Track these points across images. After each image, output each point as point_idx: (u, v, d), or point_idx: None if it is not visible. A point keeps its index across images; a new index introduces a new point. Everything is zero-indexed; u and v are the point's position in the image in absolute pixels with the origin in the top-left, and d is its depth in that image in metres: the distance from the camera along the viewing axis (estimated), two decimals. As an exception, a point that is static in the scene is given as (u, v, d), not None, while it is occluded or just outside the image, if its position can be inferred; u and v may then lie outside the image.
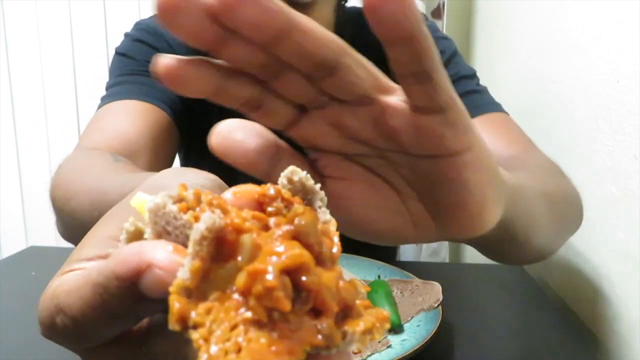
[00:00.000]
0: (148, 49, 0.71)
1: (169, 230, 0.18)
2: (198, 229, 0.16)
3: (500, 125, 0.64)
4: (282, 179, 0.20)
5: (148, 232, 0.18)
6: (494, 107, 0.67)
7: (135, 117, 0.64)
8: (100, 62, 1.56)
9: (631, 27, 0.60)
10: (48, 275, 0.22)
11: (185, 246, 0.17)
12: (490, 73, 1.27)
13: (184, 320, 0.15)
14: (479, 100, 0.67)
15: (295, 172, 0.20)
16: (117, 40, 0.76)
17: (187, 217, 0.18)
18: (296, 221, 0.17)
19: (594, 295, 0.67)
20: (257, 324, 0.15)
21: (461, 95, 0.73)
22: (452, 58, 0.71)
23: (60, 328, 0.20)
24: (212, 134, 0.27)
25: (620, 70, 0.62)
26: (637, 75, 0.58)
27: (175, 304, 0.16)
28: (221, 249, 0.17)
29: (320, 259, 0.17)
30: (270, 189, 0.19)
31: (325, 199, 0.20)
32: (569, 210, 0.52)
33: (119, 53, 0.73)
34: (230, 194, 0.20)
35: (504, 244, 0.37)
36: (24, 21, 1.63)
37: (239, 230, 0.17)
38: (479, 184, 0.27)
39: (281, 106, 0.26)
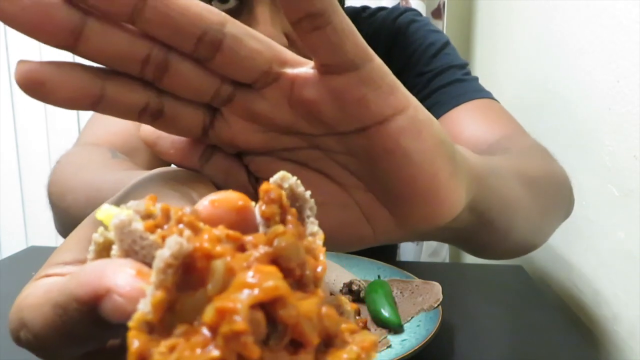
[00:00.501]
0: None
1: (135, 249, 0.17)
2: (162, 256, 0.14)
3: (485, 109, 0.62)
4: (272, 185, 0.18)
5: (115, 249, 0.17)
6: (481, 94, 0.65)
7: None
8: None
9: (631, 27, 0.60)
10: (48, 275, 0.22)
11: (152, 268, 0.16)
12: (490, 73, 1.27)
13: (144, 359, 0.14)
14: (465, 87, 0.65)
15: (285, 178, 0.18)
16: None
17: (153, 237, 0.16)
18: (275, 242, 0.16)
19: (594, 295, 0.67)
20: None
21: (447, 85, 0.70)
22: (443, 49, 0.70)
23: (24, 342, 0.19)
24: (141, 129, 0.25)
25: (620, 70, 0.62)
26: (637, 75, 0.58)
27: (135, 341, 0.14)
28: (190, 275, 0.15)
29: (302, 283, 0.16)
30: (271, 192, 0.17)
31: (315, 207, 0.18)
32: (554, 194, 0.47)
33: None
34: (207, 202, 0.18)
35: (480, 234, 0.33)
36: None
37: (209, 256, 0.15)
38: (423, 152, 0.23)
39: (185, 109, 0.23)
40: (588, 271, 0.69)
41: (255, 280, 0.14)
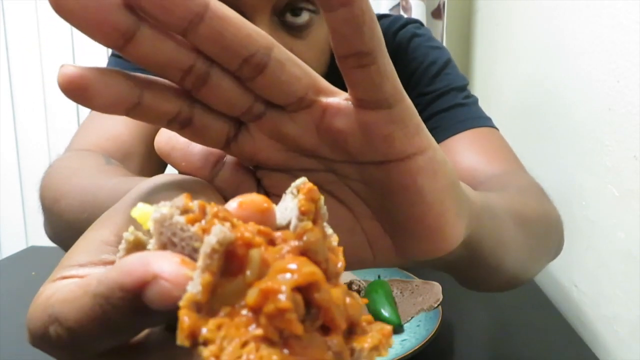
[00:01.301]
0: None
1: (174, 241, 0.18)
2: (209, 242, 0.16)
3: (485, 140, 0.62)
4: (293, 189, 0.19)
5: (152, 243, 0.18)
6: (481, 121, 0.64)
7: (128, 119, 0.63)
8: (101, 63, 1.56)
9: (631, 27, 0.60)
10: (48, 275, 0.22)
11: (191, 258, 0.17)
12: (490, 73, 1.27)
13: (194, 336, 0.15)
14: (465, 113, 0.65)
15: (305, 183, 0.19)
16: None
17: (194, 229, 0.17)
18: (305, 237, 0.17)
19: (594, 295, 0.67)
20: (268, 341, 0.15)
21: (448, 109, 0.70)
22: (444, 68, 0.69)
23: (53, 338, 0.19)
24: (158, 133, 0.26)
25: (620, 70, 0.62)
26: (637, 75, 0.58)
27: (185, 318, 0.15)
28: (229, 264, 0.16)
29: (327, 276, 0.17)
30: (313, 192, 0.19)
31: (327, 214, 0.19)
32: (546, 236, 0.49)
33: (115, 55, 0.73)
34: (236, 204, 0.19)
35: (472, 268, 0.35)
36: (24, 21, 1.63)
37: (249, 245, 0.16)
38: (436, 192, 0.24)
39: (214, 121, 0.24)
40: (588, 271, 0.69)
41: (294, 267, 0.16)
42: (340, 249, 0.18)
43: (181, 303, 0.15)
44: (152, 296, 0.16)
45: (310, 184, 0.19)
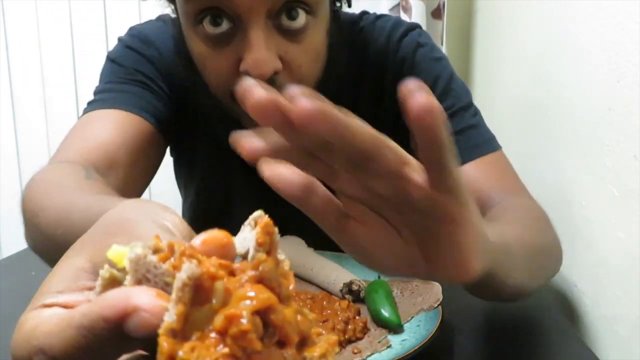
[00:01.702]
0: (138, 57, 0.71)
1: (148, 277, 0.21)
2: (180, 278, 0.19)
3: (496, 166, 0.68)
4: (250, 221, 0.24)
5: (127, 279, 0.21)
6: (490, 146, 0.68)
7: (114, 127, 0.64)
8: (101, 64, 1.56)
9: (631, 27, 0.60)
10: (47, 275, 0.22)
11: (164, 291, 0.20)
12: (490, 73, 1.27)
13: (172, 358, 0.18)
14: (475, 137, 0.68)
15: (263, 217, 0.23)
16: (116, 40, 0.76)
17: (165, 266, 0.21)
18: (260, 268, 0.20)
19: (594, 295, 0.67)
20: (234, 357, 0.18)
21: (458, 132, 0.73)
22: (449, 85, 0.70)
23: None
24: (263, 165, 0.32)
25: (621, 70, 0.62)
26: (637, 75, 0.58)
27: (164, 344, 0.18)
28: (197, 294, 0.19)
29: (280, 298, 0.20)
30: (269, 227, 0.23)
31: (279, 242, 0.23)
32: (548, 263, 0.59)
33: (110, 59, 0.73)
34: (199, 241, 0.23)
35: (483, 288, 0.47)
36: (24, 21, 1.63)
37: (213, 278, 0.20)
38: (468, 243, 0.32)
39: (327, 168, 0.32)
40: (588, 271, 0.69)
41: (252, 294, 0.19)
42: (291, 273, 0.22)
43: (160, 331, 0.19)
44: (133, 326, 0.19)
45: (266, 218, 0.23)
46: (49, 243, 0.48)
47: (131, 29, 0.76)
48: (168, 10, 0.67)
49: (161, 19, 0.76)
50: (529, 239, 0.52)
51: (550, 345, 0.57)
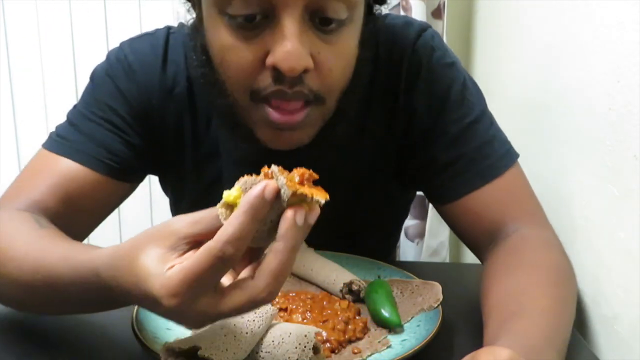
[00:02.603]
0: (114, 90, 0.69)
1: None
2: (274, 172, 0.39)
3: (509, 190, 0.67)
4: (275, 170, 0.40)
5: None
6: (505, 162, 0.67)
7: (63, 179, 0.65)
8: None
9: (631, 27, 0.60)
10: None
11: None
12: (490, 73, 1.27)
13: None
14: (490, 156, 0.67)
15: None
16: (116, 40, 0.76)
17: (260, 177, 0.39)
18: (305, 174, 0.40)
19: (594, 295, 0.67)
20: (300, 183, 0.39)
21: (473, 150, 0.73)
22: (463, 93, 0.68)
23: None
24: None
25: (620, 70, 0.62)
26: (637, 75, 0.58)
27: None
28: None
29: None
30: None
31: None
32: (574, 300, 0.58)
33: (91, 79, 0.72)
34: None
35: None
36: (24, 21, 1.63)
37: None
38: None
39: None
40: (588, 271, 0.69)
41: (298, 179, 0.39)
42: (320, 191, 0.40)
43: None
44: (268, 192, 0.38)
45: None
46: (21, 288, 0.53)
47: (121, 46, 0.72)
48: (183, 7, 0.64)
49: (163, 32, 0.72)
50: (556, 308, 0.52)
51: (550, 345, 0.57)
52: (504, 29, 1.16)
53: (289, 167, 0.40)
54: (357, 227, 0.78)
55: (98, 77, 0.71)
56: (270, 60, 0.53)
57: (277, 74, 0.53)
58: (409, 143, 0.70)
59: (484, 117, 0.69)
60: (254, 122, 0.59)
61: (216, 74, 0.59)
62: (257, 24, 0.53)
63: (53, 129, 0.72)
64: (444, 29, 1.33)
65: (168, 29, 0.72)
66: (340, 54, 0.57)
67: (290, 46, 0.51)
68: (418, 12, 1.27)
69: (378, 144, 0.72)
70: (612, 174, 0.63)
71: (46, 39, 1.64)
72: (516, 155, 0.69)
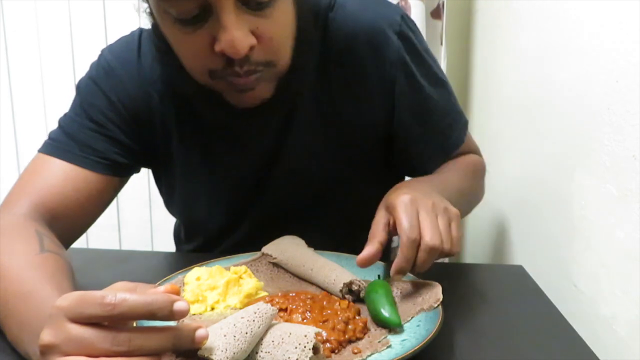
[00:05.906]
0: (99, 94, 0.75)
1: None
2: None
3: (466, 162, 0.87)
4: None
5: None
6: (459, 140, 0.85)
7: (62, 180, 0.71)
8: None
9: (631, 27, 0.60)
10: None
11: None
12: (489, 73, 1.27)
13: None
14: (449, 136, 0.84)
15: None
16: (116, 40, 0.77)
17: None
18: None
19: (594, 295, 0.67)
20: None
21: (437, 133, 0.89)
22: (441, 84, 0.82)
23: None
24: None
25: (620, 70, 0.62)
26: (637, 75, 0.58)
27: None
28: None
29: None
30: None
31: None
32: (478, 181, 0.88)
33: (78, 88, 0.78)
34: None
35: None
36: (24, 21, 1.63)
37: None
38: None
39: None
40: (588, 271, 0.69)
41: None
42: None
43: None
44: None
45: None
46: (7, 313, 0.53)
47: (101, 53, 0.79)
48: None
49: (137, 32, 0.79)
50: (464, 178, 0.80)
51: (550, 345, 0.57)
52: (503, 29, 1.16)
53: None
54: (356, 227, 0.78)
55: (85, 87, 0.77)
56: (217, 47, 0.59)
57: (227, 58, 0.60)
58: (374, 108, 0.79)
59: (447, 84, 0.84)
60: (221, 90, 0.66)
61: (178, 60, 0.66)
62: (199, 17, 0.59)
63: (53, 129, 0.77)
64: (443, 29, 1.33)
65: (141, 29, 0.79)
66: (278, 22, 0.62)
67: (231, 34, 0.58)
68: (417, 12, 1.27)
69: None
70: (611, 174, 0.63)
71: (46, 39, 1.64)
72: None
